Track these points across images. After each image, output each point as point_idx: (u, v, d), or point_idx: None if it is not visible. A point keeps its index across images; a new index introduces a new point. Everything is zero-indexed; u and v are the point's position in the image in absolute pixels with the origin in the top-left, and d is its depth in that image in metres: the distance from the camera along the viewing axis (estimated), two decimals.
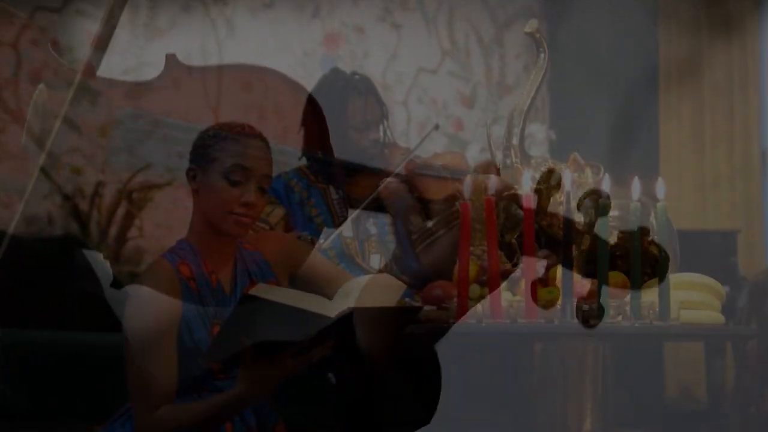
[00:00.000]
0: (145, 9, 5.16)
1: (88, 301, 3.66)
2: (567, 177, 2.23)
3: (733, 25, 5.73)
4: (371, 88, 3.03)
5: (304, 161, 3.01)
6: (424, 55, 6.06)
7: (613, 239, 2.25)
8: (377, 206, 2.95)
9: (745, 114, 5.64)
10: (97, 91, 2.50)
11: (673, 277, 2.26)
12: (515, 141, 2.38)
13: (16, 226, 4.57)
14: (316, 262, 2.42)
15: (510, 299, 2.24)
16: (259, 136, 2.28)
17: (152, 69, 2.71)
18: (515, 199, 2.35)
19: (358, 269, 2.87)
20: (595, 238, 2.21)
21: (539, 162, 2.43)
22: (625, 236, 2.24)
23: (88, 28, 2.39)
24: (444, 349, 2.30)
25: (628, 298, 2.20)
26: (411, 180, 2.89)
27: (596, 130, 5.97)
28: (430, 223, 2.93)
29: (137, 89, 2.67)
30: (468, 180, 2.29)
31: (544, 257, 2.34)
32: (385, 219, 2.97)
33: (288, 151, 2.87)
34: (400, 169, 2.87)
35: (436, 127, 2.96)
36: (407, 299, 2.41)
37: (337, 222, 2.93)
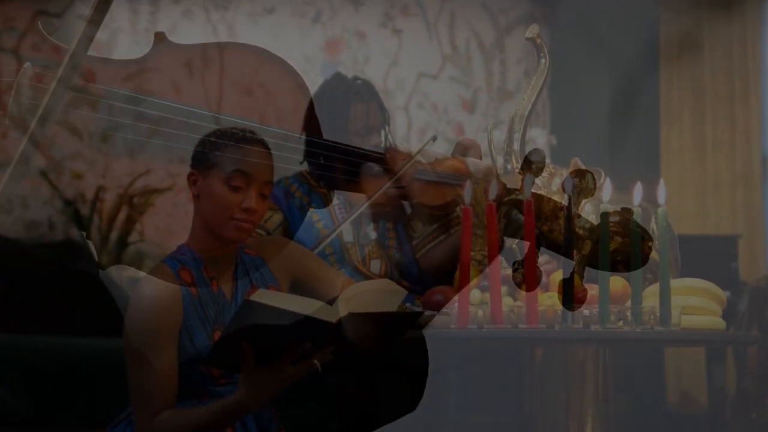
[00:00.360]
0: (146, 14, 5.17)
1: (88, 306, 3.66)
2: (568, 182, 2.23)
3: (735, 33, 5.74)
4: (373, 93, 3.03)
5: (305, 166, 3.01)
6: (425, 61, 6.07)
7: (614, 244, 2.25)
8: (378, 211, 2.95)
9: (746, 120, 5.64)
10: (97, 96, 2.49)
11: (674, 283, 2.26)
12: (516, 146, 2.38)
13: (17, 231, 4.57)
14: (316, 267, 2.42)
15: (511, 305, 2.24)
16: (261, 142, 2.29)
17: (154, 74, 2.71)
18: (516, 204, 2.34)
19: (358, 274, 2.87)
20: (596, 243, 2.21)
21: (540, 167, 2.42)
22: (626, 241, 2.23)
23: (91, 36, 2.38)
24: (445, 354, 2.30)
25: (628, 303, 2.20)
26: (412, 185, 2.88)
27: (597, 136, 5.98)
28: (430, 229, 2.93)
29: (128, 68, 2.67)
30: (468, 185, 2.29)
31: (545, 263, 2.34)
32: (386, 224, 2.97)
33: (274, 132, 2.86)
34: (400, 174, 2.87)
35: (434, 138, 2.95)
36: (408, 304, 2.41)
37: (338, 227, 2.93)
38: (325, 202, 2.98)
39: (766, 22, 5.74)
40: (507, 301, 2.26)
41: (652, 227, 2.31)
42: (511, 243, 2.40)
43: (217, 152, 2.24)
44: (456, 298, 2.23)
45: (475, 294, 2.29)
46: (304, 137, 2.98)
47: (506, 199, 2.34)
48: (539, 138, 5.28)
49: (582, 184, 2.29)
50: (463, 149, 2.91)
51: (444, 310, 2.27)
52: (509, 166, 2.38)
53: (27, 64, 2.31)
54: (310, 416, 2.75)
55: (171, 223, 4.73)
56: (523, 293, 2.18)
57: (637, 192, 2.25)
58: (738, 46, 5.70)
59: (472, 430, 3.46)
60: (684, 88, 5.95)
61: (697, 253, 4.68)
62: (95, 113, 2.51)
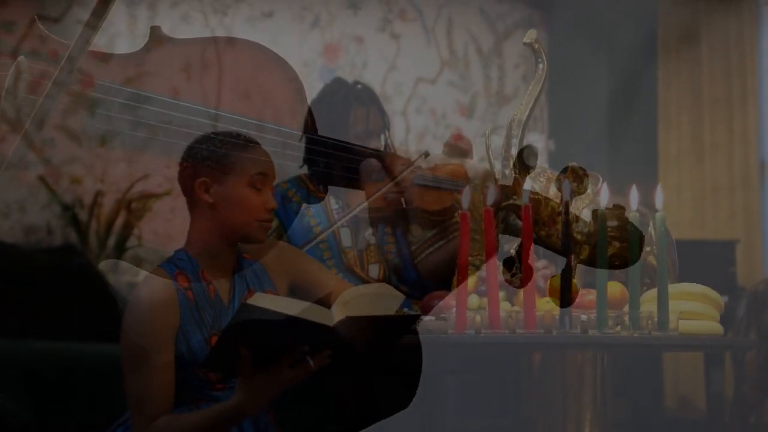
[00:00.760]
0: (144, 19, 5.17)
1: (87, 311, 3.66)
2: (566, 187, 2.23)
3: (732, 38, 5.75)
4: (374, 98, 3.04)
5: (304, 170, 3.02)
6: (423, 66, 6.07)
7: (612, 249, 2.25)
8: (377, 216, 2.95)
9: (744, 124, 5.65)
10: (95, 101, 2.49)
11: (672, 288, 2.26)
12: (514, 151, 2.38)
13: (15, 235, 4.57)
14: (314, 271, 2.42)
15: (509, 309, 2.24)
16: (259, 144, 2.31)
17: (153, 79, 2.71)
18: (514, 209, 2.35)
19: (356, 278, 2.87)
20: (594, 248, 2.21)
21: (538, 172, 2.42)
22: (624, 246, 2.24)
23: (87, 38, 2.38)
24: (443, 359, 2.30)
25: (626, 308, 2.20)
26: (411, 190, 2.89)
27: (595, 141, 5.98)
28: (429, 234, 2.93)
29: (124, 61, 2.67)
30: (467, 190, 2.29)
31: (543, 268, 2.34)
32: (385, 229, 2.97)
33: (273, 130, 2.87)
34: (399, 179, 2.88)
35: (426, 154, 2.95)
36: (405, 309, 2.41)
37: (336, 232, 2.93)
38: (324, 207, 2.98)
39: (764, 27, 5.75)
40: (505, 306, 2.26)
41: (650, 232, 2.31)
42: (509, 248, 2.40)
43: (231, 156, 2.25)
44: (454, 302, 2.23)
45: (473, 299, 2.29)
46: (304, 140, 2.99)
47: (504, 204, 2.34)
48: (537, 143, 5.28)
49: (579, 188, 2.30)
50: (454, 149, 2.91)
51: (442, 315, 2.27)
52: (507, 172, 2.38)
53: (21, 58, 2.31)
54: (307, 420, 2.75)
55: (169, 227, 4.72)
56: (521, 298, 2.18)
57: (634, 197, 2.25)
58: (735, 50, 5.72)
59: None
60: (682, 92, 5.96)
61: (695, 258, 4.69)
62: (93, 118, 2.51)
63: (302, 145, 2.99)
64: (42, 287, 3.62)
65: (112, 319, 2.29)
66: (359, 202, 2.92)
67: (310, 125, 2.95)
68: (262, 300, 2.00)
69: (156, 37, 2.56)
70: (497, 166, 2.62)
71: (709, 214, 5.74)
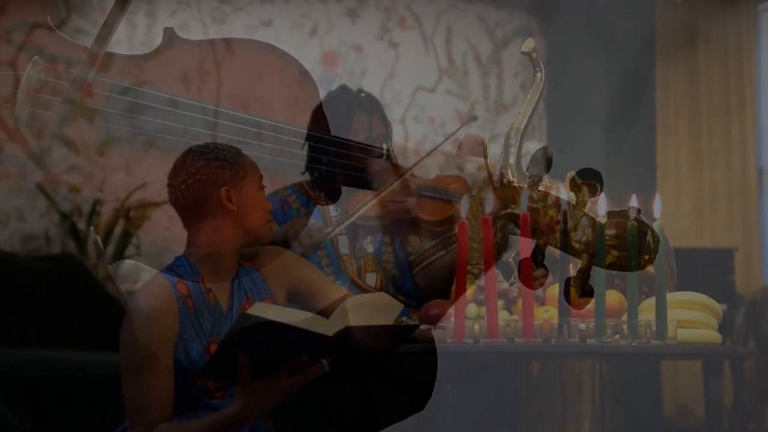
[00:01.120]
0: (142, 27, 5.18)
1: (85, 320, 3.65)
2: (564, 196, 2.23)
3: (731, 46, 5.75)
4: (377, 106, 3.05)
5: (306, 176, 3.02)
6: (422, 74, 6.08)
7: (610, 258, 2.25)
8: (374, 224, 2.95)
9: (742, 132, 5.65)
10: (94, 110, 2.50)
11: (670, 296, 2.25)
12: (512, 160, 2.38)
13: (13, 244, 4.57)
14: (314, 277, 2.42)
15: (507, 318, 2.24)
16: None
17: (151, 87, 2.71)
18: (512, 218, 2.35)
19: (354, 286, 2.87)
20: (592, 257, 2.21)
21: (536, 181, 2.42)
22: (622, 255, 2.24)
23: (86, 47, 2.39)
24: (441, 368, 2.30)
25: (625, 317, 2.20)
26: (411, 200, 2.89)
27: (593, 149, 5.98)
28: (428, 245, 2.93)
29: (135, 62, 2.69)
30: (465, 199, 2.29)
31: (542, 276, 2.34)
32: (384, 238, 2.98)
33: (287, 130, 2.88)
34: (397, 186, 2.88)
35: (474, 118, 2.96)
36: (404, 318, 2.41)
37: (334, 240, 2.93)
38: (323, 214, 2.98)
39: (762, 34, 5.75)
40: (503, 315, 2.26)
41: (648, 240, 2.31)
42: (508, 257, 2.40)
43: (241, 164, 2.29)
44: (452, 311, 2.23)
45: (471, 308, 2.29)
46: (308, 144, 3.00)
47: (502, 213, 2.34)
48: (535, 151, 5.28)
49: (578, 197, 2.30)
50: (468, 146, 2.92)
51: (440, 323, 2.27)
52: (505, 180, 2.38)
53: (35, 58, 2.32)
54: (306, 429, 2.75)
55: (168, 236, 4.73)
56: (519, 307, 2.18)
57: (632, 206, 2.25)
58: (734, 57, 5.72)
59: None
60: (680, 100, 5.96)
61: (693, 266, 4.71)
62: (92, 125, 2.52)
63: (305, 147, 3.01)
64: (40, 295, 3.62)
65: (111, 327, 2.29)
66: (360, 206, 2.92)
67: (323, 127, 2.97)
68: (262, 309, 2.00)
69: (169, 38, 2.58)
70: (495, 174, 2.62)
71: (707, 222, 5.74)
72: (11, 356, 3.25)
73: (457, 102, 6.19)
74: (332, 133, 2.94)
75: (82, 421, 3.08)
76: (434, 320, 2.30)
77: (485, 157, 2.54)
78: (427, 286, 2.89)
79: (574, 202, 2.29)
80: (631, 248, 2.19)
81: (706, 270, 4.80)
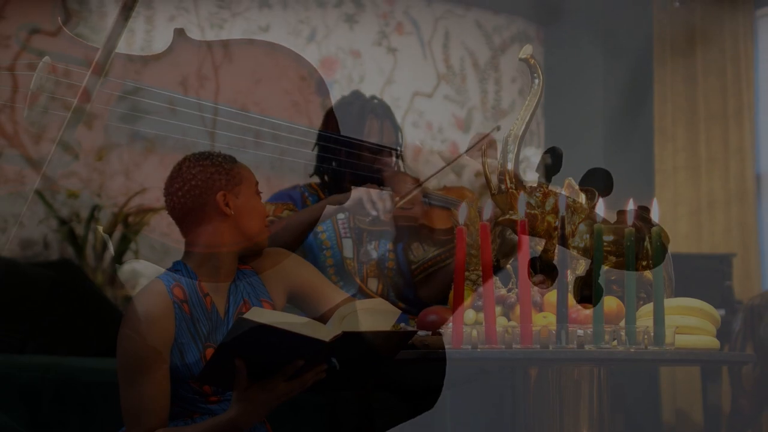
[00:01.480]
0: (141, 33, 5.18)
1: (83, 326, 3.65)
2: (562, 202, 2.23)
3: (728, 52, 5.76)
4: (389, 113, 3.07)
5: (315, 178, 3.04)
6: (420, 80, 6.08)
7: (608, 264, 2.25)
8: (380, 230, 2.96)
9: (740, 138, 5.66)
10: (92, 115, 2.50)
11: (668, 302, 2.26)
12: (510, 166, 2.38)
13: (12, 250, 4.57)
14: (315, 279, 2.42)
15: (505, 325, 2.24)
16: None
17: (149, 92, 2.72)
18: (510, 224, 2.35)
19: (356, 290, 2.87)
20: (590, 263, 2.21)
21: (534, 187, 2.43)
22: (620, 261, 2.24)
23: (85, 52, 2.39)
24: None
25: (623, 323, 2.20)
26: (417, 208, 2.90)
27: (591, 155, 5.99)
28: (431, 254, 2.94)
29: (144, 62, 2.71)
30: (463, 206, 2.29)
31: (539, 282, 2.34)
32: (387, 245, 2.98)
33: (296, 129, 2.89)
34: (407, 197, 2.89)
35: (497, 128, 2.97)
36: (402, 324, 2.41)
37: (339, 242, 2.94)
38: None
39: (760, 40, 5.76)
40: (501, 321, 2.26)
41: (646, 246, 2.31)
42: (506, 263, 2.40)
43: (236, 169, 2.30)
44: (450, 318, 2.23)
45: (469, 314, 2.29)
46: (318, 147, 3.01)
47: (500, 219, 2.34)
48: (533, 157, 5.29)
49: (576, 204, 2.30)
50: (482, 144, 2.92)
51: (438, 330, 2.27)
52: (503, 186, 2.38)
53: (46, 58, 2.33)
54: None
55: (166, 242, 4.73)
56: (517, 313, 2.18)
57: (630, 211, 2.25)
58: (731, 64, 5.73)
59: None
60: (678, 106, 5.97)
61: (691, 272, 4.72)
62: (91, 130, 2.52)
63: (315, 149, 3.02)
64: (39, 301, 3.62)
65: (109, 333, 2.29)
66: (412, 188, 2.94)
67: (333, 130, 2.99)
68: (259, 314, 2.00)
69: (180, 38, 2.61)
70: (493, 180, 2.63)
71: (705, 228, 5.74)
72: (9, 362, 3.25)
73: (455, 107, 6.19)
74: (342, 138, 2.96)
75: (80, 427, 3.08)
76: (432, 327, 2.30)
77: (483, 162, 2.55)
78: (427, 295, 2.89)
79: (572, 208, 2.30)
80: (628, 254, 2.19)
81: (704, 276, 4.81)
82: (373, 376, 2.24)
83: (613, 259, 2.27)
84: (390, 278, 2.95)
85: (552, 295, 2.26)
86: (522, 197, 2.28)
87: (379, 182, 2.88)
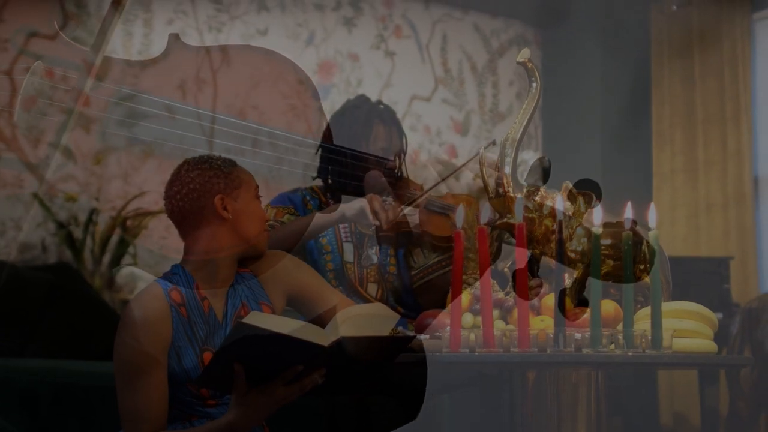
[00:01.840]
0: (139, 36, 5.19)
1: (82, 330, 3.65)
2: (559, 205, 2.24)
3: (726, 56, 5.77)
4: (395, 119, 3.07)
5: (318, 182, 3.04)
6: (418, 83, 6.09)
7: (605, 267, 2.26)
8: (382, 236, 2.96)
9: (738, 141, 5.66)
10: (90, 119, 2.51)
11: (666, 305, 2.26)
12: (507, 170, 2.38)
13: (10, 253, 4.57)
14: (314, 282, 2.42)
15: (503, 328, 2.24)
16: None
17: (148, 96, 2.72)
18: (508, 228, 2.35)
19: (355, 294, 2.87)
20: (588, 267, 2.21)
21: (532, 190, 2.43)
22: (618, 264, 2.24)
23: (83, 56, 2.40)
24: (437, 378, 2.30)
25: (620, 326, 2.20)
26: (420, 214, 2.90)
27: (589, 158, 6.00)
28: (431, 261, 2.94)
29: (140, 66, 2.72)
30: (461, 209, 2.29)
31: (537, 286, 2.34)
32: (388, 250, 2.98)
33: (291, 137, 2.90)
34: (415, 203, 2.89)
35: (493, 143, 2.98)
36: (400, 327, 2.41)
37: (339, 246, 2.94)
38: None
39: (757, 43, 5.77)
40: (499, 325, 2.27)
41: (644, 250, 2.31)
42: (503, 266, 2.41)
43: (235, 172, 2.30)
44: (448, 321, 2.23)
45: (467, 317, 2.29)
46: (320, 151, 3.01)
47: (498, 222, 2.34)
48: (531, 160, 5.30)
49: (573, 207, 2.30)
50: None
51: (436, 333, 2.27)
52: (501, 190, 2.38)
53: (38, 62, 2.33)
54: None
55: (164, 245, 4.73)
56: (515, 317, 2.19)
57: (628, 215, 2.25)
58: (729, 67, 5.74)
59: None
60: (675, 109, 5.97)
61: (689, 275, 4.72)
62: (89, 134, 2.53)
63: (318, 152, 3.02)
64: (37, 305, 3.62)
65: (107, 336, 2.29)
66: (419, 194, 2.94)
67: (327, 136, 2.99)
68: (257, 318, 2.00)
69: (175, 43, 2.62)
70: (491, 183, 2.63)
71: (703, 231, 5.75)
72: (8, 366, 3.25)
73: (453, 111, 6.20)
74: (349, 142, 2.96)
75: (79, 430, 3.08)
76: (430, 330, 2.30)
77: (481, 166, 2.55)
78: (426, 302, 2.89)
79: (569, 212, 2.30)
80: (626, 258, 2.19)
81: (702, 279, 4.81)
82: (371, 380, 2.24)
83: (610, 262, 2.27)
84: (390, 283, 2.95)
85: (549, 299, 2.27)
86: (520, 200, 2.29)
87: (382, 188, 2.88)
